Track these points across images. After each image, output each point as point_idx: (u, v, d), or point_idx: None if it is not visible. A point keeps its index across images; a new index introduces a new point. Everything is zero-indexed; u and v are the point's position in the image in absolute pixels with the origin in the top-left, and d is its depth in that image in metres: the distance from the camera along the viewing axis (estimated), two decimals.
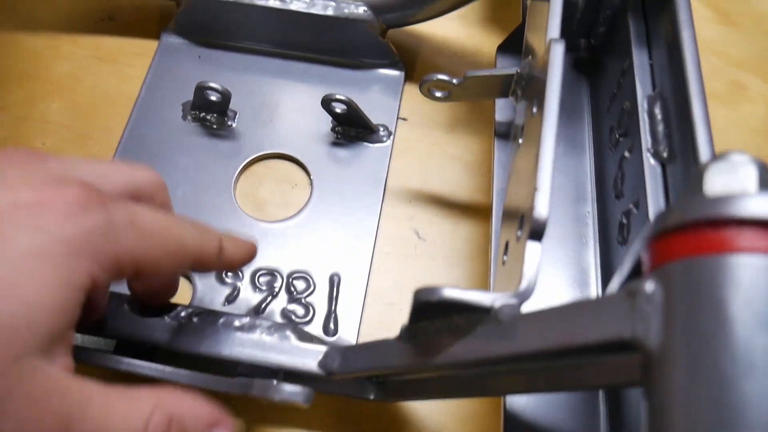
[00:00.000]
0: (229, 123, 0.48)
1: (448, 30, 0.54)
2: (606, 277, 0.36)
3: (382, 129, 0.48)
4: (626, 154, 0.34)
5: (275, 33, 0.49)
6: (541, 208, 0.26)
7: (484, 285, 0.43)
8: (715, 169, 0.21)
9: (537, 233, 0.26)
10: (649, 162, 0.31)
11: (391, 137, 0.48)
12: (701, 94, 0.29)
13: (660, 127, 0.31)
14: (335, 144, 0.48)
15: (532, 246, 0.26)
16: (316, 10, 0.47)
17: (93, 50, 0.51)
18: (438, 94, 0.40)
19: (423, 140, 0.49)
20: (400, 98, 0.50)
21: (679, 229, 0.20)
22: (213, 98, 0.45)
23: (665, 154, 0.31)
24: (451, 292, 0.25)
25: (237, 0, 0.47)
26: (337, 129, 0.48)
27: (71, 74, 0.50)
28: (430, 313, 0.27)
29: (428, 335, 0.28)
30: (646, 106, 0.33)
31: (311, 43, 0.50)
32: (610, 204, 0.36)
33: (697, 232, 0.20)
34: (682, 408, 0.18)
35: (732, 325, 0.18)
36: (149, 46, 0.51)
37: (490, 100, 0.44)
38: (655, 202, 0.31)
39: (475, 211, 0.46)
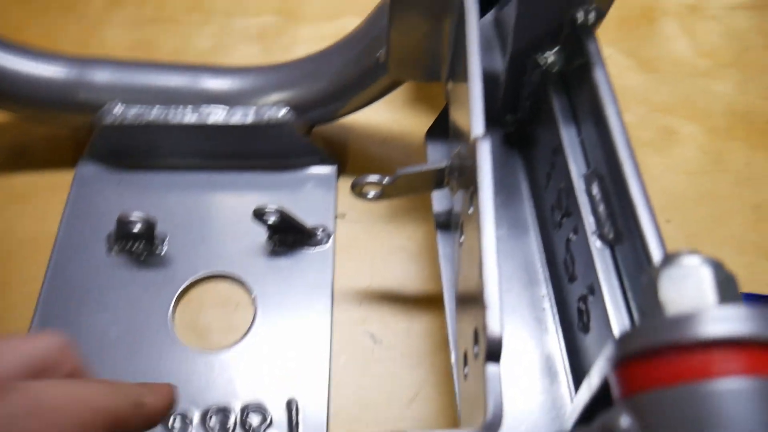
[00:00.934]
0: (159, 249, 0.45)
1: (376, 117, 0.53)
2: (574, 365, 0.34)
3: (320, 231, 0.46)
4: (571, 236, 0.32)
5: (197, 147, 0.47)
6: (494, 327, 0.24)
7: (448, 383, 0.41)
8: (667, 277, 0.20)
9: (494, 354, 0.24)
10: (596, 245, 0.30)
11: (331, 238, 0.46)
12: (636, 173, 0.28)
13: (601, 207, 0.30)
14: (274, 254, 0.45)
15: (491, 370, 0.24)
16: (236, 120, 0.45)
17: (4, 191, 0.48)
18: (370, 194, 0.39)
19: (365, 235, 0.47)
20: (336, 194, 0.48)
21: (644, 356, 0.18)
22: (137, 229, 0.43)
23: (611, 236, 0.30)
24: None
25: (152, 122, 0.45)
26: (273, 238, 0.45)
27: None
28: None
29: None
30: (583, 186, 0.32)
31: (237, 151, 0.48)
32: (565, 287, 0.34)
33: (662, 358, 0.18)
34: None
35: None
36: (65, 178, 0.48)
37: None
38: (609, 288, 0.29)
39: (429, 302, 0.44)
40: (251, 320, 0.43)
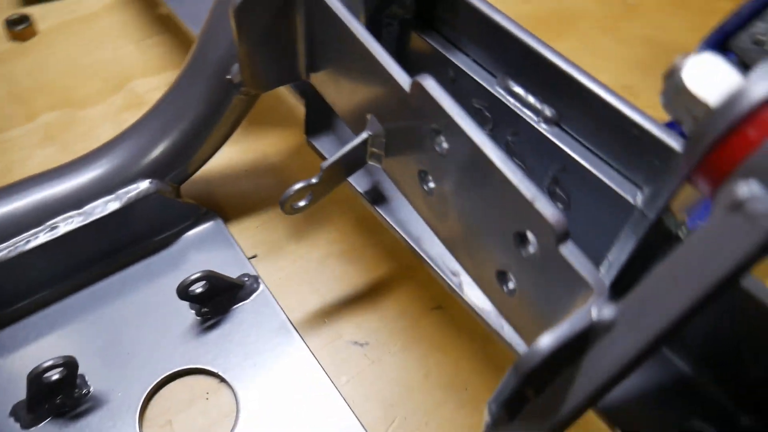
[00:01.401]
0: (84, 391, 0.38)
1: (225, 157, 0.50)
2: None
3: (246, 279, 0.43)
4: (510, 138, 0.35)
5: (64, 265, 0.40)
6: (553, 212, 0.25)
7: (446, 339, 0.41)
8: (689, 78, 0.23)
9: (564, 235, 0.25)
10: (547, 129, 0.32)
11: (259, 280, 0.43)
12: (553, 52, 0.31)
13: (530, 98, 0.33)
14: (212, 326, 0.41)
15: (569, 249, 0.25)
16: (99, 214, 0.40)
17: None
18: (301, 203, 0.37)
19: (286, 262, 0.45)
20: (235, 241, 0.45)
21: (740, 125, 0.21)
22: (56, 377, 0.35)
23: (553, 116, 0.32)
24: (549, 343, 0.23)
25: (3, 262, 0.37)
26: (203, 311, 0.41)
27: None
28: (534, 380, 0.25)
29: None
30: (502, 91, 0.34)
31: (109, 250, 0.42)
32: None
33: (750, 122, 0.20)
34: None
35: None
36: None
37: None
38: (582, 156, 0.31)
39: (386, 285, 0.44)
40: (234, 399, 0.38)
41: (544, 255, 0.26)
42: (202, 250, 0.44)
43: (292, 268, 0.44)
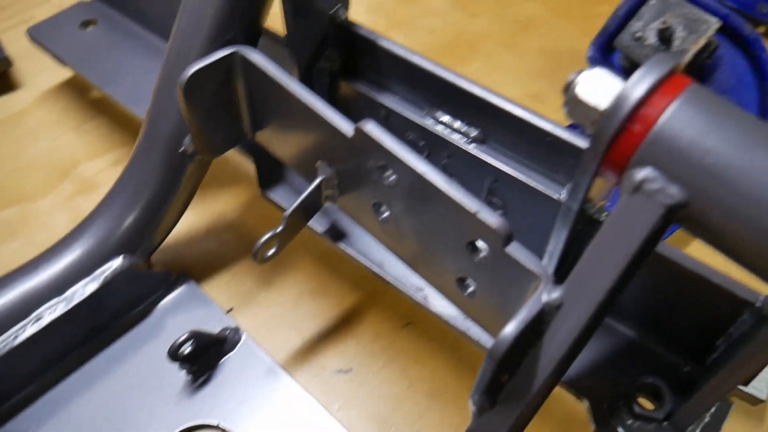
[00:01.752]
0: None
1: (193, 216, 0.53)
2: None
3: (228, 332, 0.45)
4: (445, 161, 0.39)
5: (55, 352, 0.42)
6: (495, 223, 0.29)
7: (420, 345, 0.45)
8: (581, 88, 0.28)
9: (509, 237, 0.30)
10: (476, 149, 0.37)
11: (241, 330, 0.46)
12: (466, 80, 0.36)
13: (457, 123, 0.37)
14: (203, 383, 0.43)
15: (514, 247, 0.30)
16: (80, 297, 0.42)
17: None
18: (270, 252, 0.40)
19: (261, 308, 0.48)
20: (210, 299, 0.48)
21: (626, 123, 0.26)
22: None
23: (480, 136, 0.37)
24: (513, 329, 0.27)
25: None
26: (193, 370, 0.43)
27: None
28: (505, 364, 0.29)
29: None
30: (431, 121, 0.38)
31: (92, 331, 0.44)
32: None
33: (636, 116, 0.25)
34: None
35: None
36: None
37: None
38: (514, 167, 0.36)
39: (358, 310, 0.47)
40: None
41: (495, 257, 0.31)
42: (181, 313, 0.47)
43: (269, 314, 0.47)
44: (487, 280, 0.33)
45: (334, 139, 0.36)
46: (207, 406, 0.42)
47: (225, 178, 0.55)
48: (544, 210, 0.36)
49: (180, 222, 0.47)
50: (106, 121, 0.60)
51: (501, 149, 0.37)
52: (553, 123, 0.34)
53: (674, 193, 0.25)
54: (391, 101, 0.40)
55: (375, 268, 0.41)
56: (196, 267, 0.50)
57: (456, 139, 0.38)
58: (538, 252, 0.39)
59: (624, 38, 0.58)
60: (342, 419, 0.42)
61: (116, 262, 0.43)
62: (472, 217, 0.30)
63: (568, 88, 0.29)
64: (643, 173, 0.26)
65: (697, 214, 0.25)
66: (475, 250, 0.32)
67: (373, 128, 0.33)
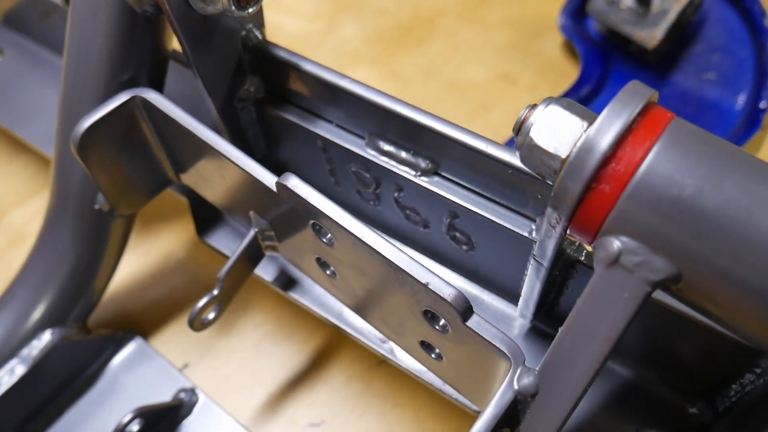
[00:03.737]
0: None
1: (134, 260, 0.47)
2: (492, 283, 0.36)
3: (183, 394, 0.41)
4: (397, 194, 0.34)
5: None
6: (450, 295, 0.24)
7: (419, 393, 0.41)
8: (536, 132, 0.22)
9: (467, 310, 0.24)
10: (427, 181, 0.31)
11: (197, 390, 0.41)
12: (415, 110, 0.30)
13: (403, 154, 0.32)
14: None
15: (475, 321, 0.25)
16: (9, 383, 0.37)
17: None
18: (210, 316, 0.35)
19: (219, 363, 0.43)
20: (161, 356, 0.43)
21: (593, 184, 0.20)
22: None
23: (429, 167, 0.31)
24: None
25: None
26: None
27: None
28: None
29: None
30: (373, 152, 0.33)
31: (41, 401, 0.40)
32: (424, 237, 0.36)
33: (601, 177, 0.20)
34: None
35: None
36: None
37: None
38: (472, 202, 0.31)
39: (325, 360, 0.43)
40: None
41: (456, 329, 0.26)
42: (132, 373, 0.42)
43: (229, 365, 0.43)
44: (453, 349, 0.28)
45: (259, 191, 0.30)
46: None
47: (167, 211, 0.50)
48: (513, 246, 0.31)
49: (123, 269, 0.42)
50: (31, 159, 0.54)
51: (458, 180, 0.31)
52: (512, 152, 0.28)
53: (660, 267, 0.20)
54: (326, 130, 0.34)
55: (332, 319, 0.36)
56: (143, 320, 0.45)
57: (404, 170, 0.32)
58: (515, 287, 0.34)
59: (597, 3, 0.51)
60: None
61: (45, 337, 0.38)
62: (422, 287, 0.25)
63: (521, 128, 0.23)
64: (619, 243, 0.20)
65: (689, 287, 0.20)
66: (435, 318, 0.27)
67: (296, 184, 0.28)
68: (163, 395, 0.40)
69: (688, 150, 0.19)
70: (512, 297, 0.35)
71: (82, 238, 0.38)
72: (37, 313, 0.39)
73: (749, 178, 0.19)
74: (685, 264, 0.20)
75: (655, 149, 0.19)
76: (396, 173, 0.32)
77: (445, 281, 0.25)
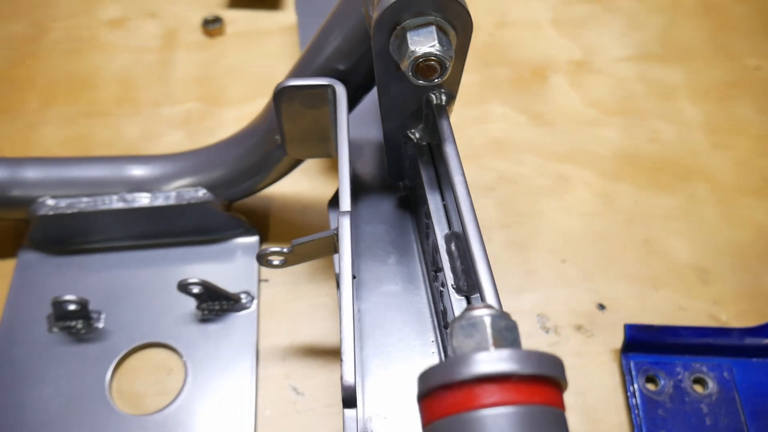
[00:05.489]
0: (96, 325, 0.49)
1: (294, 186, 0.58)
2: None
3: (244, 296, 0.51)
4: (441, 289, 0.37)
5: (127, 230, 0.52)
6: (348, 376, 0.29)
7: None
8: (459, 327, 0.25)
9: (349, 401, 0.29)
10: (455, 297, 0.35)
11: (255, 302, 0.51)
12: (478, 235, 0.33)
13: (458, 263, 0.35)
14: (203, 321, 0.50)
15: (348, 414, 0.29)
16: (159, 203, 0.50)
17: None
18: (275, 262, 0.43)
19: (286, 297, 0.52)
20: (256, 263, 0.53)
21: (434, 392, 0.23)
22: (71, 308, 0.47)
23: (465, 288, 0.34)
24: None
25: (83, 210, 0.50)
26: (202, 306, 0.50)
27: None
28: None
29: None
30: (444, 244, 0.37)
31: (164, 230, 0.52)
32: (444, 334, 0.39)
33: (448, 393, 0.23)
34: None
35: None
36: (6, 266, 0.52)
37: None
38: None
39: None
40: (182, 383, 0.47)
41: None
42: (230, 258, 0.53)
43: (286, 304, 0.51)
44: None
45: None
46: (190, 340, 0.49)
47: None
48: None
49: (291, 185, 0.52)
50: None
51: None
52: None
53: None
54: (435, 205, 0.39)
55: None
56: (272, 229, 0.55)
57: (448, 275, 0.35)
58: None
59: None
60: (260, 428, 0.45)
61: (200, 193, 0.51)
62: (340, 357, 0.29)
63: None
64: None
65: None
66: None
67: (344, 222, 0.33)
68: (231, 286, 0.50)
69: None
70: None
71: (262, 151, 0.48)
72: (206, 176, 0.50)
73: None
74: None
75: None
76: (444, 273, 0.36)
77: (354, 370, 0.29)
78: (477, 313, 0.25)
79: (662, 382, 0.47)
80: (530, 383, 0.22)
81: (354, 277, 0.34)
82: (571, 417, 0.47)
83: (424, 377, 0.23)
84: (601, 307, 0.52)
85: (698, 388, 0.48)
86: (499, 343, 0.24)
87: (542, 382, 0.22)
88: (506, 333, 0.24)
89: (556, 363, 0.23)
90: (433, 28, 0.33)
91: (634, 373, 0.48)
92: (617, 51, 0.70)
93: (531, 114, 0.64)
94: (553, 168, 0.61)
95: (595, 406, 0.47)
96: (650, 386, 0.48)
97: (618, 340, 0.50)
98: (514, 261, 0.55)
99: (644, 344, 0.49)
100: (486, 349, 0.24)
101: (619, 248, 0.56)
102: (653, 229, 0.57)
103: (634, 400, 0.47)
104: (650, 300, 0.53)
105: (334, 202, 0.49)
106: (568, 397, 0.47)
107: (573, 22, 0.73)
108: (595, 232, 0.57)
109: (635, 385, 0.47)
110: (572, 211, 0.58)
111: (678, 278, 0.54)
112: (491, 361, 0.22)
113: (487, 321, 0.24)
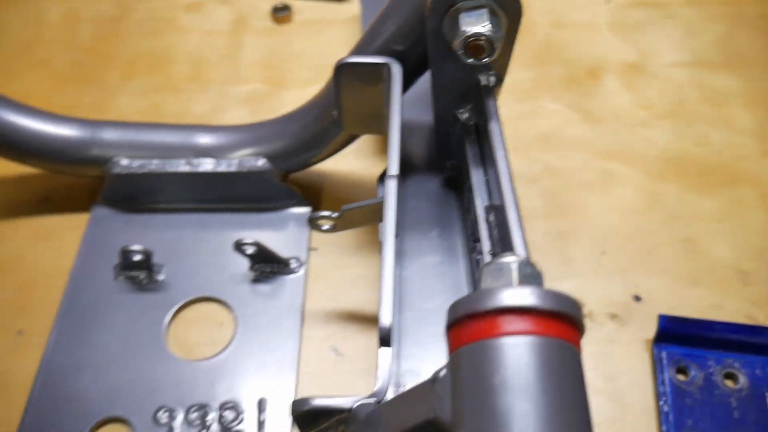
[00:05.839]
0: (157, 277, 0.53)
1: (347, 164, 0.61)
2: None
3: (294, 261, 0.54)
4: (478, 257, 0.40)
5: (191, 192, 0.56)
6: (384, 319, 0.31)
7: None
8: (487, 271, 0.27)
9: (384, 340, 0.31)
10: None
11: (304, 267, 0.54)
12: (514, 203, 0.35)
13: (495, 231, 0.38)
14: (255, 281, 0.53)
15: (383, 351, 0.31)
16: (222, 169, 0.54)
17: (31, 231, 0.57)
18: (325, 227, 0.47)
19: (334, 266, 0.55)
20: (309, 231, 0.56)
21: (458, 322, 0.25)
22: (136, 258, 0.51)
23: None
24: (318, 401, 0.30)
25: (153, 171, 0.54)
26: (254, 267, 0.53)
27: (14, 254, 0.56)
28: (315, 420, 0.32)
29: None
30: (483, 214, 0.39)
31: (224, 195, 0.56)
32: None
33: (474, 321, 0.25)
34: None
35: (495, 394, 0.23)
36: (81, 219, 0.57)
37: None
38: None
39: None
40: (232, 336, 0.50)
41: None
42: (283, 226, 0.57)
43: (332, 272, 0.54)
44: None
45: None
46: (241, 297, 0.52)
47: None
48: None
49: (347, 161, 0.55)
50: None
51: None
52: None
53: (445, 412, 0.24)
54: (477, 179, 0.41)
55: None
56: (325, 201, 0.59)
57: (485, 243, 0.38)
58: None
59: None
60: (301, 382, 0.48)
61: (260, 162, 0.54)
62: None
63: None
64: (443, 372, 0.25)
65: None
66: None
67: (391, 185, 0.36)
68: (283, 252, 0.53)
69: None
70: None
71: (320, 125, 0.51)
72: (263, 148, 0.54)
73: None
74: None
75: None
76: (481, 241, 0.38)
77: (390, 315, 0.31)
78: (506, 259, 0.27)
79: (693, 373, 0.48)
80: (549, 318, 0.24)
81: (397, 235, 0.36)
82: (600, 398, 0.48)
83: (453, 307, 0.26)
84: (637, 298, 0.53)
85: (729, 382, 0.48)
86: (524, 284, 0.26)
87: (560, 319, 0.24)
88: (531, 279, 0.27)
89: (574, 304, 0.25)
90: (485, 11, 0.36)
91: (665, 362, 0.49)
92: (673, 56, 0.71)
93: (582, 112, 0.66)
94: (600, 164, 0.62)
95: (624, 391, 0.48)
96: (680, 377, 0.49)
97: (651, 331, 0.51)
98: (554, 250, 0.56)
99: (677, 336, 0.49)
100: (511, 287, 0.26)
101: (660, 245, 0.57)
102: (695, 229, 0.58)
103: (663, 388, 0.48)
104: (687, 296, 0.54)
105: (383, 178, 0.52)
106: (598, 380, 0.49)
107: (630, 26, 0.74)
108: (636, 228, 0.58)
109: (665, 374, 0.48)
110: (615, 207, 0.59)
111: (717, 277, 0.55)
112: (514, 295, 0.25)
113: (514, 266, 0.27)
